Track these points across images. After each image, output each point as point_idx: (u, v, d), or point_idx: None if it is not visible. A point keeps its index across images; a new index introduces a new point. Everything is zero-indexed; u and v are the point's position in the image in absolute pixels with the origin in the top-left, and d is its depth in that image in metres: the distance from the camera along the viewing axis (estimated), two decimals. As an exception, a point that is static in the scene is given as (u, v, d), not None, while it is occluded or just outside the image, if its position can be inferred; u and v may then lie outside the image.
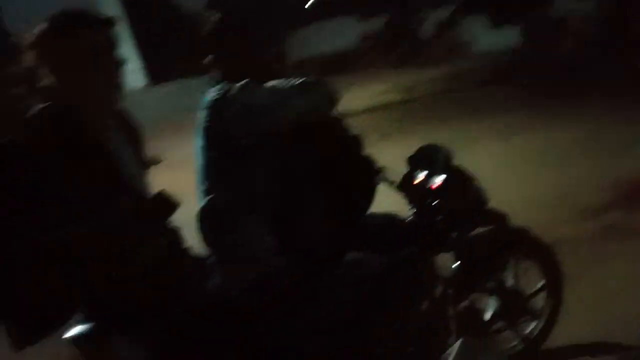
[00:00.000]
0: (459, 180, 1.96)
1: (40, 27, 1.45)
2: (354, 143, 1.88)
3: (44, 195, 1.35)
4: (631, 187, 3.77)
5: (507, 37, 13.03)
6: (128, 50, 20.29)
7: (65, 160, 1.38)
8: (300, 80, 1.75)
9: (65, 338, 1.54)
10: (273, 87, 1.75)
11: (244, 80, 1.71)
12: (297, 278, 1.73)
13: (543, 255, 2.18)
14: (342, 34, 19.47)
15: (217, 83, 1.78)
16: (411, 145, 2.07)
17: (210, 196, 1.76)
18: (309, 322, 1.76)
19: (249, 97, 1.69)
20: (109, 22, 1.52)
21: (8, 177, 1.36)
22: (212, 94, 1.75)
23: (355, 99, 10.99)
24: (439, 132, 6.33)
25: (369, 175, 1.89)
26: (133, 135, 1.70)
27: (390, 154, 2.20)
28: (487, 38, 14.01)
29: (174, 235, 1.66)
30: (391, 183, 1.99)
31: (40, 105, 1.45)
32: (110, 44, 1.52)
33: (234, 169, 1.74)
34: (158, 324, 1.57)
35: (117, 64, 1.54)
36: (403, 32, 16.65)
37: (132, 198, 1.55)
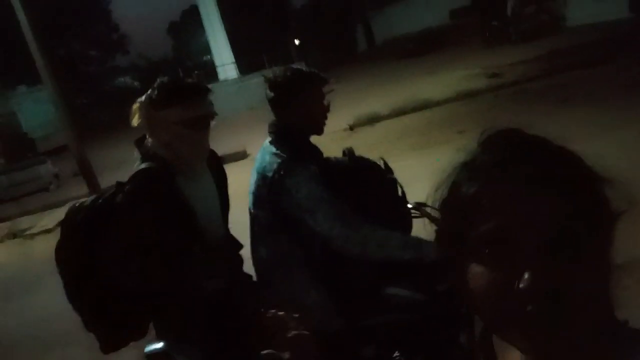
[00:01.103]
0: None
1: (145, 96, 1.74)
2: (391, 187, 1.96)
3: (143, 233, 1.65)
4: None
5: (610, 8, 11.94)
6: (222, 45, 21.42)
7: (157, 208, 1.66)
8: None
9: (145, 352, 1.87)
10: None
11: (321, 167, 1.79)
12: (345, 319, 1.87)
13: None
14: (430, 10, 18.85)
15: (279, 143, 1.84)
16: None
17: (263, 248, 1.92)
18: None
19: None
20: (205, 91, 1.77)
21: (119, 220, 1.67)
22: (278, 162, 1.76)
23: (440, 85, 10.75)
24: (532, 126, 6.03)
25: (402, 215, 1.96)
26: (221, 175, 1.98)
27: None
28: (587, 10, 12.90)
29: (235, 270, 1.94)
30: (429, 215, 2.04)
31: (142, 166, 1.72)
32: (205, 109, 1.76)
33: (285, 231, 1.84)
34: (217, 347, 1.83)
35: (207, 125, 1.78)
36: (493, 7, 15.78)
37: (210, 236, 1.82)
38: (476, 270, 0.55)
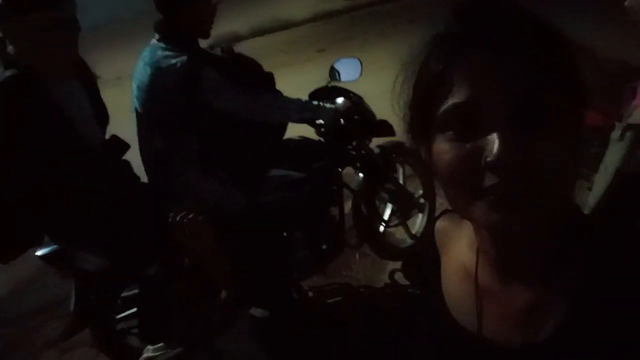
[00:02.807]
0: (353, 101, 2.35)
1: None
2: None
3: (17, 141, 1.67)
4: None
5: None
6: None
7: (30, 115, 1.67)
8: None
9: (37, 255, 1.93)
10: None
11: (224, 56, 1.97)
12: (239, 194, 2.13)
13: (420, 164, 2.67)
14: None
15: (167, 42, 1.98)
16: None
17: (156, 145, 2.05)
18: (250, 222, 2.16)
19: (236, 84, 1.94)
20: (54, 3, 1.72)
21: None
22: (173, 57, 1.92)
23: (298, 5, 10.88)
24: (373, 46, 6.52)
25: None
26: (91, 81, 1.99)
27: (322, 71, 2.50)
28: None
29: (126, 170, 2.01)
30: None
31: (7, 73, 1.69)
32: (69, 10, 1.74)
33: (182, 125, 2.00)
34: (114, 241, 1.95)
35: (73, 27, 1.77)
36: None
37: (88, 142, 1.86)
38: (442, 147, 0.53)
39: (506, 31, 0.50)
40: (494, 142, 0.48)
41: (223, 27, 10.22)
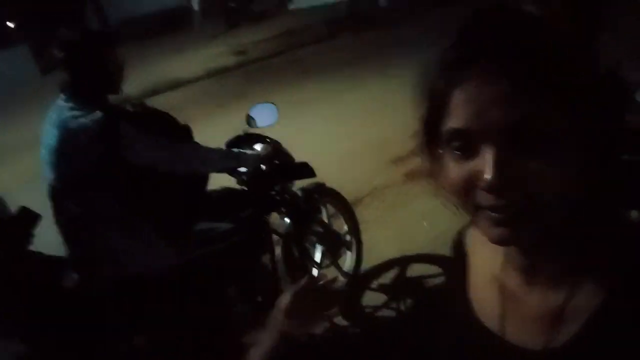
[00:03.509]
0: (272, 147, 2.36)
1: None
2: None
3: None
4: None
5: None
6: None
7: None
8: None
9: None
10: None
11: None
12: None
13: (342, 203, 2.78)
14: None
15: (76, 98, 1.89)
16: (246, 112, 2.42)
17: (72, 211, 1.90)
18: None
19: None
20: None
21: None
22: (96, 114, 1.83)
23: (190, 64, 10.88)
24: (274, 95, 6.69)
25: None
26: None
27: (228, 123, 2.48)
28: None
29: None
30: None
31: None
32: None
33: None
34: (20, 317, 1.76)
35: None
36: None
37: None
38: (446, 163, 0.56)
39: (503, 57, 0.50)
40: (486, 165, 0.51)
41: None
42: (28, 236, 1.85)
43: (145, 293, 1.94)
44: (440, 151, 0.57)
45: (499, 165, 0.50)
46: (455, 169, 0.54)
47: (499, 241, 0.54)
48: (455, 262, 0.73)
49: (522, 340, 0.60)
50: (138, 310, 1.98)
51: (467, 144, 0.53)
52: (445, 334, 0.69)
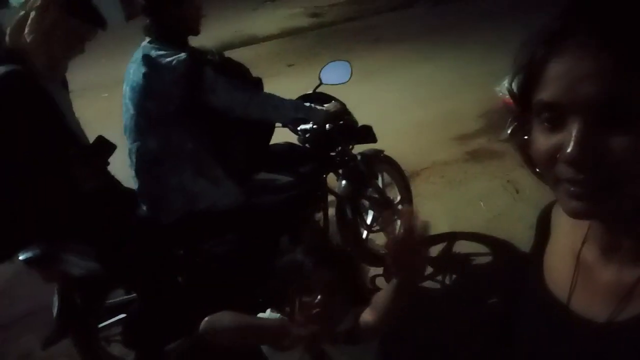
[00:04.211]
0: (340, 105, 2.41)
1: None
2: None
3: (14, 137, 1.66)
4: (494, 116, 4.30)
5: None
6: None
7: (25, 111, 1.65)
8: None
9: (20, 259, 1.88)
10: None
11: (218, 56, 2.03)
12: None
13: (398, 173, 2.80)
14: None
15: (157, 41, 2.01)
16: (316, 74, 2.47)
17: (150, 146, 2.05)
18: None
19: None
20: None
21: None
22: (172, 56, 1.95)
23: (265, 22, 10.99)
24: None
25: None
26: (66, 86, 2.02)
27: (298, 82, 2.55)
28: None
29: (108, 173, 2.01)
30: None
31: (7, 68, 1.69)
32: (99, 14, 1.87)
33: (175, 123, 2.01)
34: (103, 244, 1.94)
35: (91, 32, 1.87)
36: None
37: (80, 141, 1.86)
38: (535, 134, 0.58)
39: (606, 32, 0.51)
40: (571, 139, 0.52)
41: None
42: (104, 163, 2.01)
43: (208, 228, 2.08)
44: (534, 121, 0.58)
45: (583, 140, 0.51)
46: (541, 140, 0.56)
47: (575, 214, 0.55)
48: (537, 234, 0.76)
49: (586, 312, 0.63)
50: (198, 243, 2.13)
51: (556, 116, 0.54)
52: (514, 298, 0.73)
